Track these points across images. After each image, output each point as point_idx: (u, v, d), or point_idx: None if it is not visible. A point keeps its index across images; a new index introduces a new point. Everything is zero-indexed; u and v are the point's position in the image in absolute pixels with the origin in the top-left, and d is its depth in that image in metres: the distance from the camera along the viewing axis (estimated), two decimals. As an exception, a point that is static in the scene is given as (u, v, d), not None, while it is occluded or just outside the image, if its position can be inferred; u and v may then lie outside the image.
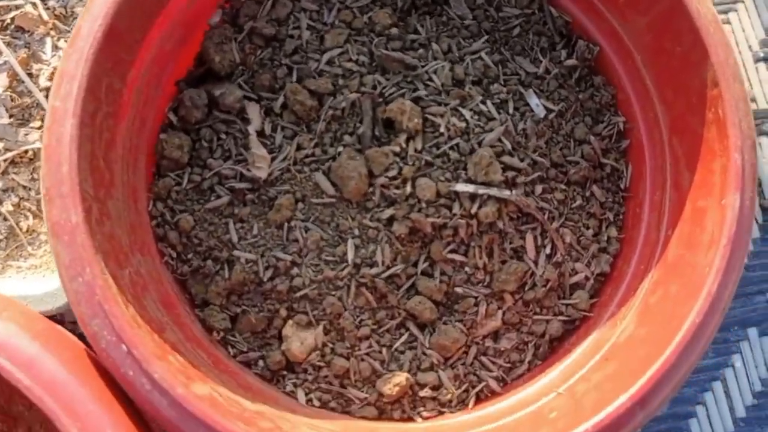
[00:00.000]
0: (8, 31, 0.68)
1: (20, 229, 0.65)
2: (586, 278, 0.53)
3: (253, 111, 0.51)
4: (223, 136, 0.51)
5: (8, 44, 0.67)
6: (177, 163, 0.50)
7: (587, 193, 0.54)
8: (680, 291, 0.46)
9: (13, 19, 0.67)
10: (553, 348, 0.53)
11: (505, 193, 0.50)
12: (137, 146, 0.49)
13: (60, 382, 0.40)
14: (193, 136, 0.51)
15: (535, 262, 0.52)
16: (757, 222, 0.67)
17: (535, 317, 0.52)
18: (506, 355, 0.52)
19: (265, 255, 0.50)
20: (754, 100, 0.69)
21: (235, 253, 0.50)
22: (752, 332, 0.65)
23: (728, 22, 0.70)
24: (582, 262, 0.53)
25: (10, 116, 0.65)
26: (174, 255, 0.50)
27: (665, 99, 0.51)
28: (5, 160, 0.65)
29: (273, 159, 0.50)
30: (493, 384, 0.52)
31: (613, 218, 0.55)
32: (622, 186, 0.55)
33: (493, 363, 0.52)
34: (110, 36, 0.43)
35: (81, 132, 0.41)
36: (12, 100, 0.65)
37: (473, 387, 0.51)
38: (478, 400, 0.51)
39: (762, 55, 0.69)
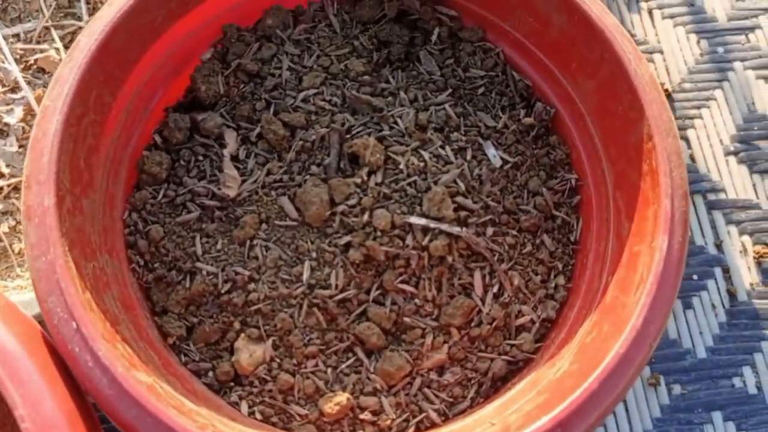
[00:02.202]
0: (30, 71, 0.74)
1: (12, 251, 0.69)
2: (532, 321, 0.55)
3: (230, 136, 0.55)
4: (201, 157, 0.56)
5: (29, 82, 0.73)
6: (155, 178, 0.55)
7: (537, 241, 0.57)
8: (610, 328, 0.48)
9: (36, 60, 0.74)
10: (496, 388, 0.55)
11: (456, 230, 0.53)
12: (120, 159, 0.54)
13: (9, 351, 0.42)
14: (173, 156, 0.56)
15: (482, 300, 0.54)
16: (724, 307, 0.69)
17: (480, 354, 0.54)
18: (449, 390, 0.53)
19: (225, 269, 0.53)
20: (723, 190, 0.72)
21: (198, 264, 0.53)
22: (716, 416, 0.65)
23: (701, 117, 0.75)
24: (529, 305, 0.55)
25: (20, 146, 0.71)
26: (141, 262, 0.54)
27: (610, 156, 0.55)
28: (9, 185, 0.70)
29: (243, 181, 0.54)
30: (434, 416, 0.53)
31: (562, 268, 0.57)
32: (572, 239, 0.58)
33: (436, 396, 0.53)
34: (104, 51, 0.48)
35: (65, 129, 0.46)
36: (23, 132, 0.71)
37: (414, 417, 0.52)
38: (417, 430, 0.52)
39: (732, 149, 0.73)
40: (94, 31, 0.48)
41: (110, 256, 0.51)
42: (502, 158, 0.57)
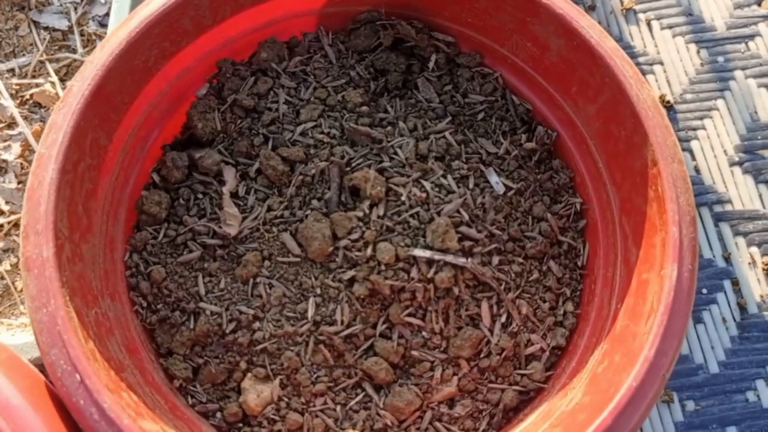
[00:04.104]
0: (26, 106, 0.74)
1: (15, 289, 0.68)
2: (542, 350, 0.54)
3: (229, 173, 0.55)
4: (200, 195, 0.55)
5: (25, 118, 0.73)
6: (155, 218, 0.54)
7: (544, 268, 0.56)
8: (622, 359, 0.47)
9: (32, 95, 0.74)
10: (508, 418, 0.54)
11: (461, 261, 0.52)
12: (119, 200, 0.53)
13: (14, 406, 0.42)
14: (172, 195, 0.55)
15: (491, 330, 0.53)
16: (734, 320, 0.68)
17: (490, 385, 0.53)
18: (461, 422, 0.53)
19: (229, 308, 0.52)
20: (730, 202, 0.71)
21: (201, 305, 0.52)
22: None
23: (703, 128, 0.74)
24: (538, 333, 0.55)
25: (19, 182, 0.70)
26: (144, 304, 0.53)
27: (615, 180, 0.54)
28: (9, 222, 0.69)
29: (244, 218, 0.54)
30: (446, 450, 0.52)
31: (570, 294, 0.56)
32: (579, 263, 0.57)
33: (448, 429, 0.52)
34: (98, 95, 0.48)
35: (61, 177, 0.45)
36: (22, 168, 0.71)
37: (425, 451, 0.52)
38: (430, 464, 0.52)
39: (737, 159, 0.72)
40: (86, 75, 0.47)
41: (112, 300, 0.51)
42: (505, 185, 0.56)
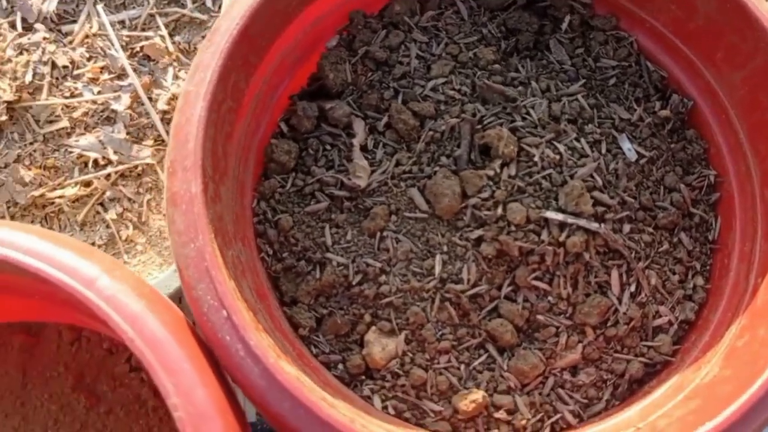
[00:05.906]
0: (136, 58, 0.74)
1: (120, 237, 0.69)
2: (670, 323, 0.53)
3: (359, 126, 0.54)
4: (329, 147, 0.54)
5: (135, 70, 0.73)
6: (283, 167, 0.54)
7: (675, 240, 0.54)
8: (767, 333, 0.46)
9: (142, 48, 0.74)
10: (632, 390, 0.52)
11: (594, 226, 0.51)
12: (249, 146, 0.53)
13: (160, 340, 0.42)
14: (300, 145, 0.55)
15: (619, 299, 0.52)
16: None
17: (616, 355, 0.52)
18: (584, 390, 0.52)
19: (356, 260, 0.52)
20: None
21: (328, 255, 0.52)
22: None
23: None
24: (666, 306, 0.53)
25: (127, 133, 0.71)
26: (270, 252, 0.53)
27: (758, 152, 0.52)
28: (116, 172, 0.70)
29: (372, 172, 0.53)
30: (569, 417, 0.51)
31: (699, 268, 0.55)
32: (710, 237, 0.55)
33: (570, 396, 0.51)
34: (244, 36, 0.47)
35: (209, 115, 0.45)
36: (131, 119, 0.71)
37: (549, 417, 0.51)
38: (552, 431, 0.51)
39: None
40: (234, 15, 0.47)
41: (243, 245, 0.50)
42: (637, 152, 0.54)
